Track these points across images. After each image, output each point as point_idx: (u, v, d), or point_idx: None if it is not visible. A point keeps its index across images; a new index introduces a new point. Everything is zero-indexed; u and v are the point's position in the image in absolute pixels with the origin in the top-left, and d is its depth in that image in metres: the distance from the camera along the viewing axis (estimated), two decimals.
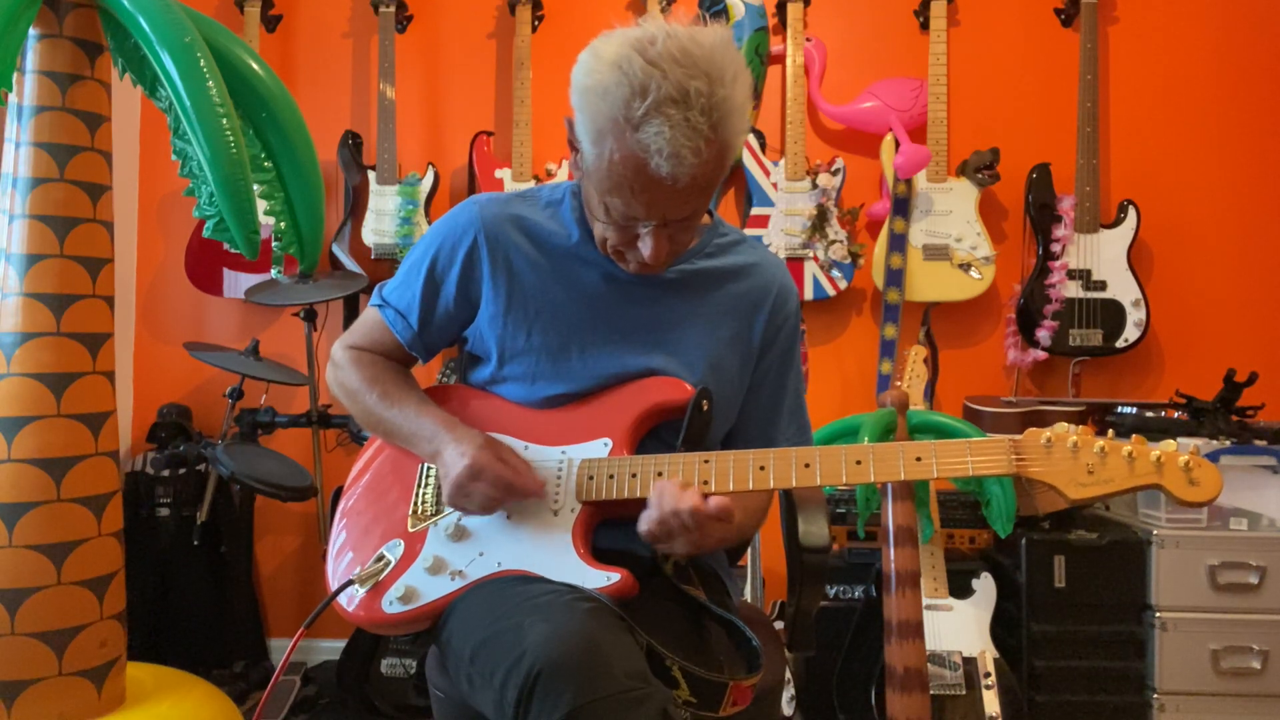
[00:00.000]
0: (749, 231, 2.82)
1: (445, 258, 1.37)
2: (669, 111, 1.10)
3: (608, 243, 1.27)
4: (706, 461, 1.22)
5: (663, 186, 1.15)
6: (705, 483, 1.21)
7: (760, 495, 1.38)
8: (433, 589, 1.25)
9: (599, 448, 1.29)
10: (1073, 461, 1.13)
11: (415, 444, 1.33)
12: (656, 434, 1.33)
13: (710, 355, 1.35)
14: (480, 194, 1.42)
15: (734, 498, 1.21)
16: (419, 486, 1.34)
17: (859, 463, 1.19)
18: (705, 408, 1.28)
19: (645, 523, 1.17)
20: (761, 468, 1.21)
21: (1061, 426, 1.16)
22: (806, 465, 1.20)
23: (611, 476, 1.25)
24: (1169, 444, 1.12)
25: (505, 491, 1.23)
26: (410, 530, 1.31)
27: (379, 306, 1.43)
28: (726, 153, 1.17)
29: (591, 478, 1.26)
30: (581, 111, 1.17)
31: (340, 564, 1.33)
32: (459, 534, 1.28)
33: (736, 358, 1.38)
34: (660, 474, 1.22)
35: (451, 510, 1.29)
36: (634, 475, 1.24)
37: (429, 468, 1.35)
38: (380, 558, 1.29)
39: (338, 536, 1.37)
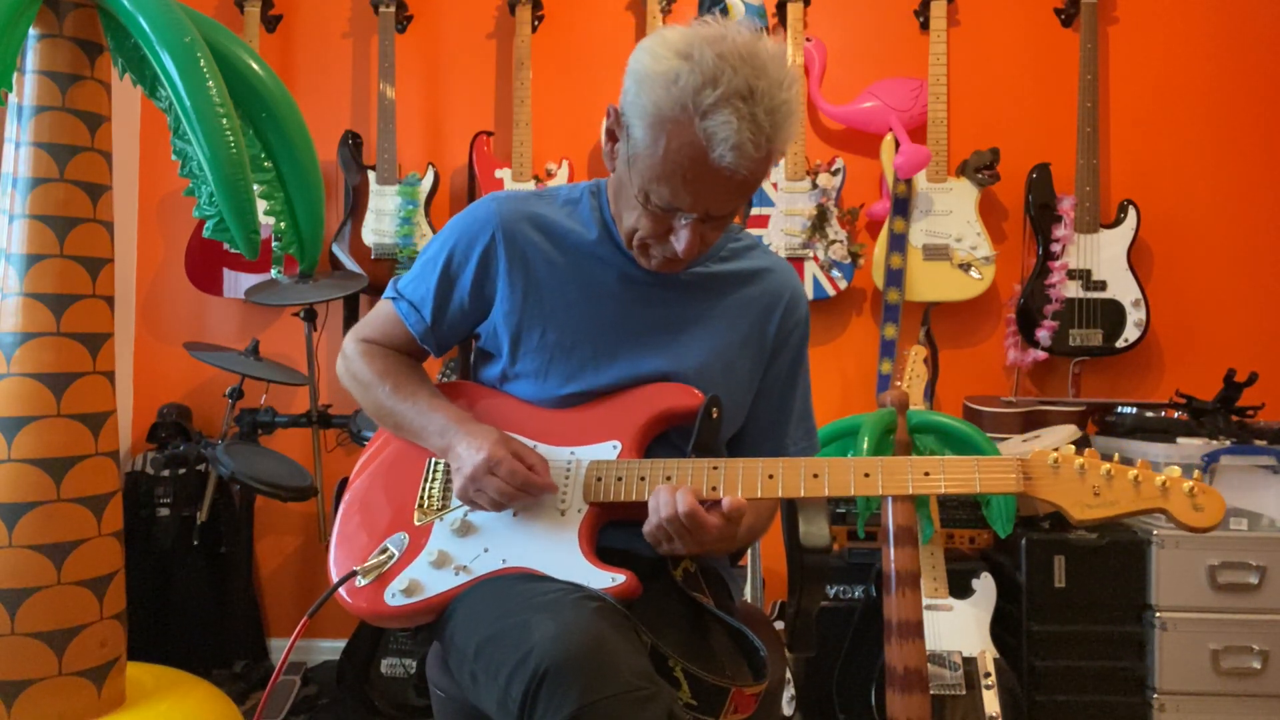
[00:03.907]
0: (750, 232, 2.82)
1: (461, 253, 1.37)
2: (737, 105, 1.12)
3: (637, 234, 1.27)
4: (715, 468, 1.23)
5: (718, 178, 1.16)
6: (714, 489, 1.21)
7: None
8: (436, 583, 1.25)
9: (608, 450, 1.29)
10: (1079, 483, 1.15)
11: (425, 438, 1.34)
12: (666, 438, 1.33)
13: (722, 358, 1.36)
14: (499, 191, 1.43)
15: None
16: (426, 480, 1.35)
17: (867, 475, 1.20)
18: (715, 415, 1.28)
19: (646, 527, 1.19)
20: (770, 476, 1.21)
21: (1069, 446, 1.18)
22: (815, 475, 1.20)
23: (619, 479, 1.25)
24: (1174, 469, 1.14)
25: (522, 487, 1.23)
26: (416, 524, 1.31)
27: (393, 299, 1.44)
28: (775, 156, 1.20)
29: (599, 479, 1.26)
30: (640, 97, 1.18)
31: (344, 555, 1.33)
32: (465, 529, 1.28)
33: (748, 361, 1.38)
34: (669, 478, 1.22)
35: (458, 505, 1.29)
36: (642, 478, 1.24)
37: (437, 462, 1.35)
38: (384, 550, 1.29)
39: (342, 528, 1.36)
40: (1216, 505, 1.12)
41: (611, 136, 1.25)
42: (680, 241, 1.23)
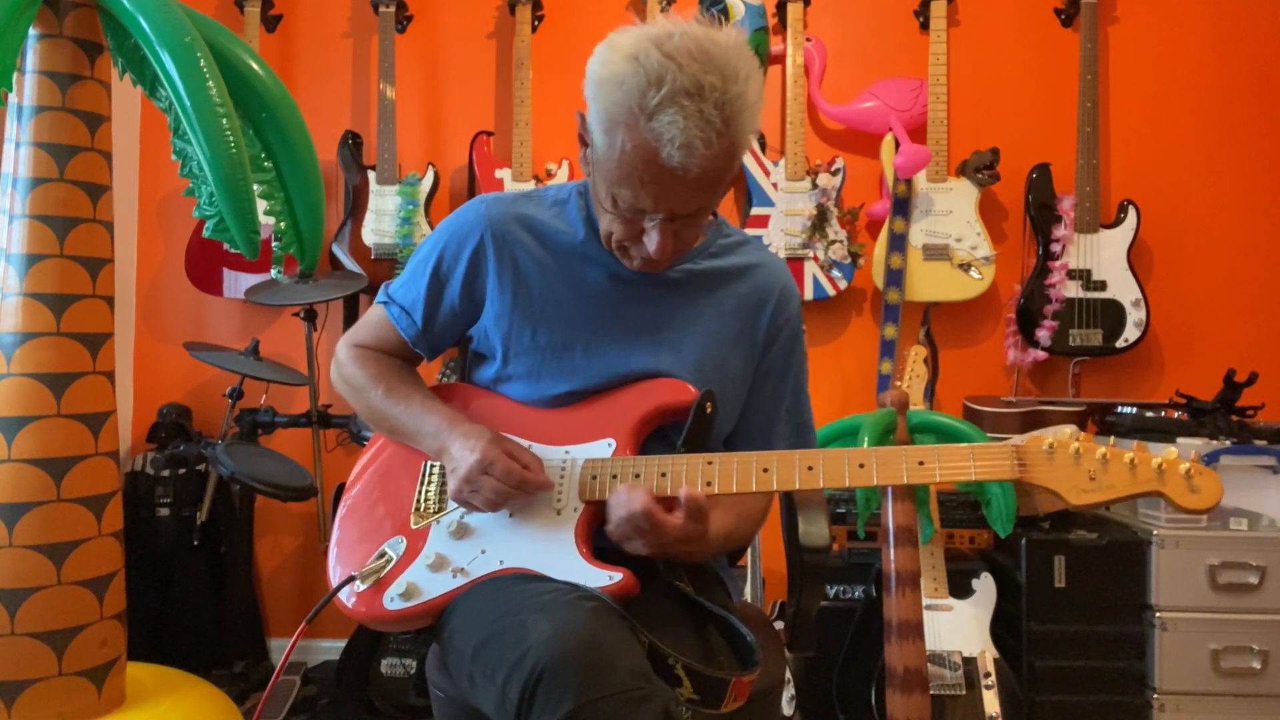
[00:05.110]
0: (749, 231, 2.82)
1: (451, 256, 1.37)
2: (683, 102, 1.11)
3: (613, 237, 1.28)
4: (710, 463, 1.23)
5: (672, 178, 1.16)
6: (709, 484, 1.21)
7: (759, 499, 1.38)
8: (434, 586, 1.25)
9: (602, 448, 1.29)
10: (1075, 468, 1.14)
11: (420, 440, 1.34)
12: (661, 434, 1.33)
13: (714, 355, 1.36)
14: (487, 194, 1.43)
15: (731, 501, 1.22)
16: (422, 484, 1.35)
17: (862, 466, 1.19)
18: (709, 410, 1.28)
19: (608, 526, 1.20)
20: (765, 470, 1.21)
21: (1065, 432, 1.17)
22: (810, 468, 1.20)
23: (614, 476, 1.25)
24: (1170, 451, 1.13)
25: (517, 485, 1.23)
26: (413, 527, 1.31)
27: (384, 304, 1.44)
28: (736, 150, 1.18)
29: (595, 477, 1.26)
30: (595, 101, 1.18)
31: (342, 561, 1.34)
32: (461, 531, 1.28)
33: (740, 357, 1.38)
34: (664, 475, 1.22)
35: (454, 508, 1.30)
36: (637, 475, 1.24)
37: (432, 465, 1.35)
38: (382, 554, 1.29)
39: (340, 533, 1.37)
40: (1213, 486, 1.11)
41: (582, 141, 1.25)
42: (652, 243, 1.23)
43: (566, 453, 1.30)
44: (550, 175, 2.97)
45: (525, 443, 1.31)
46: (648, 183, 1.17)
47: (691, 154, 1.12)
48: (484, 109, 3.10)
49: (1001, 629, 2.37)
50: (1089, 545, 2.41)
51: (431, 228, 2.90)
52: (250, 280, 2.83)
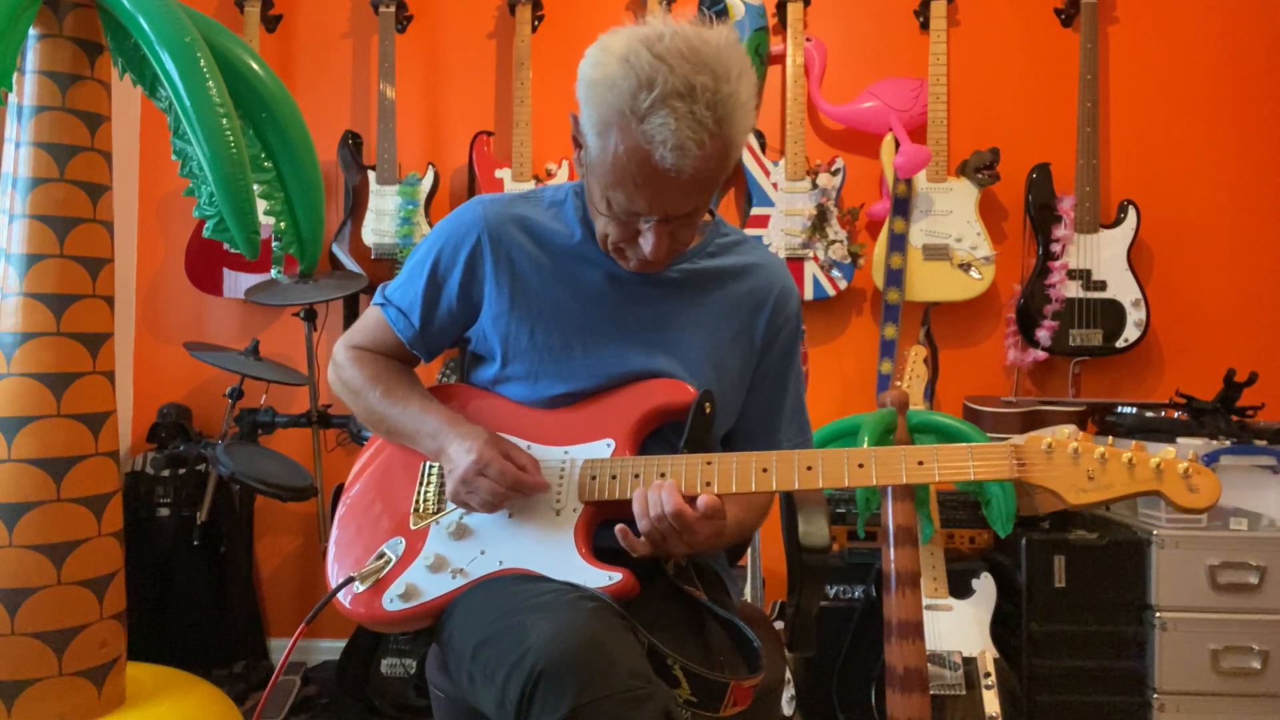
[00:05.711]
0: (749, 231, 2.82)
1: (448, 258, 1.37)
2: (674, 104, 1.11)
3: (609, 239, 1.27)
4: (709, 463, 1.22)
5: (666, 179, 1.15)
6: (708, 484, 1.21)
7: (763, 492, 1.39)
8: (434, 587, 1.25)
9: (602, 448, 1.29)
10: (1073, 467, 1.14)
11: (418, 441, 1.34)
12: (660, 434, 1.33)
13: (713, 355, 1.35)
14: (484, 194, 1.42)
15: (736, 494, 1.22)
16: (421, 484, 1.35)
17: (861, 466, 1.19)
18: (708, 410, 1.28)
19: (641, 527, 1.19)
20: (764, 470, 1.21)
21: (1063, 432, 1.16)
22: (809, 468, 1.20)
23: (614, 477, 1.25)
24: (1168, 450, 1.13)
25: (512, 486, 1.23)
26: (412, 528, 1.31)
27: (381, 305, 1.44)
28: (729, 149, 1.17)
29: (594, 478, 1.26)
30: (587, 104, 1.18)
31: (341, 561, 1.34)
32: (460, 532, 1.28)
33: (738, 358, 1.38)
34: (663, 475, 1.22)
35: (453, 508, 1.30)
36: (636, 476, 1.24)
37: (431, 466, 1.35)
38: (381, 555, 1.29)
39: (339, 534, 1.37)
40: (1212, 486, 1.11)
41: (576, 144, 1.25)
42: (647, 244, 1.23)
43: (565, 453, 1.30)
44: (550, 175, 2.97)
45: (524, 443, 1.31)
46: (641, 185, 1.17)
47: (685, 155, 1.12)
48: (484, 109, 3.11)
49: (1001, 629, 2.38)
50: (1089, 545, 2.41)
51: (431, 228, 2.90)
52: (250, 280, 2.83)
